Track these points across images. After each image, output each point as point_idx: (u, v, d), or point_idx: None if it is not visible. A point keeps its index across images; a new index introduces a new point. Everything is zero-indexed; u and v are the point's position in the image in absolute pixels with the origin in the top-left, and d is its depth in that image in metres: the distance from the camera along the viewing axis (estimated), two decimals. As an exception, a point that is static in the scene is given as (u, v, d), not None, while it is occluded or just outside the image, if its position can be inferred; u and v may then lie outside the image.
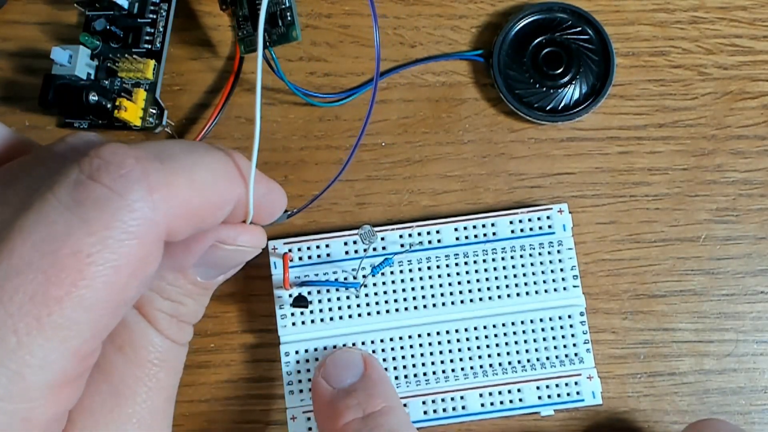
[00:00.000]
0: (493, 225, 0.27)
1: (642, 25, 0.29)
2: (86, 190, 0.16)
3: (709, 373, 0.27)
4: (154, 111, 0.28)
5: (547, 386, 0.26)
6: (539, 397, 0.26)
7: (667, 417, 0.27)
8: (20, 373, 0.16)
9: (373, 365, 0.26)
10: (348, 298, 0.27)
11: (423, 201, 0.28)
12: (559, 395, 0.26)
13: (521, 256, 0.27)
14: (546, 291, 0.27)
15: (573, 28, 0.29)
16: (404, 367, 0.27)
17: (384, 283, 0.27)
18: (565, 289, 0.27)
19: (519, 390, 0.26)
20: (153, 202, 0.17)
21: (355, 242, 0.27)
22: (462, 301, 0.27)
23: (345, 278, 0.27)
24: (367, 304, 0.27)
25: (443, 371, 0.27)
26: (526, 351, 0.27)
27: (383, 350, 0.27)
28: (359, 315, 0.27)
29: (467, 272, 0.27)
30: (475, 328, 0.27)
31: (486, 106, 0.29)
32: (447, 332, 0.27)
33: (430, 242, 0.27)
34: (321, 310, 0.27)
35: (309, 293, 0.27)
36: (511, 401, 0.27)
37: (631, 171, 0.28)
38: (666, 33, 0.29)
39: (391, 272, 0.27)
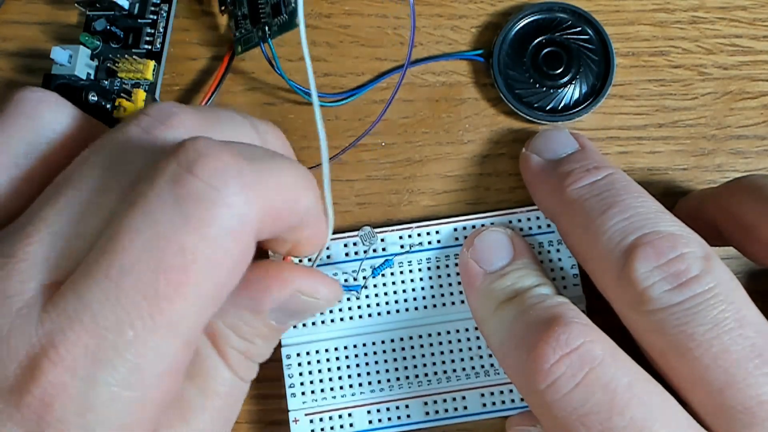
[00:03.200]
0: (492, 225, 0.27)
1: (642, 25, 0.29)
2: (186, 185, 0.17)
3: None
4: (153, 111, 0.28)
5: None
6: None
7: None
8: (137, 363, 0.17)
9: (521, 247, 0.26)
10: (349, 299, 0.27)
11: (423, 201, 0.28)
12: None
13: None
14: None
15: (573, 28, 0.29)
16: (405, 368, 0.27)
17: (384, 284, 0.27)
18: (565, 288, 0.27)
19: None
20: (247, 199, 0.18)
21: (355, 244, 0.27)
22: (463, 302, 0.27)
23: (345, 280, 0.27)
24: (368, 306, 0.27)
25: (444, 371, 0.27)
26: None
27: (384, 351, 0.27)
28: (360, 317, 0.27)
29: None
30: (476, 328, 0.27)
31: (486, 106, 0.29)
32: (448, 332, 0.27)
33: (430, 243, 0.27)
34: (322, 312, 0.27)
35: None
36: (512, 401, 0.27)
37: (631, 171, 0.28)
38: (666, 33, 0.29)
39: (392, 273, 0.27)
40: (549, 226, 0.27)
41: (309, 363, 0.27)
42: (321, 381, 0.27)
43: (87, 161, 0.19)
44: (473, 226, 0.27)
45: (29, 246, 0.18)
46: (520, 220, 0.27)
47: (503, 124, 0.29)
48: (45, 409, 0.16)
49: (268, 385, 0.27)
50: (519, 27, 0.29)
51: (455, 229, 0.27)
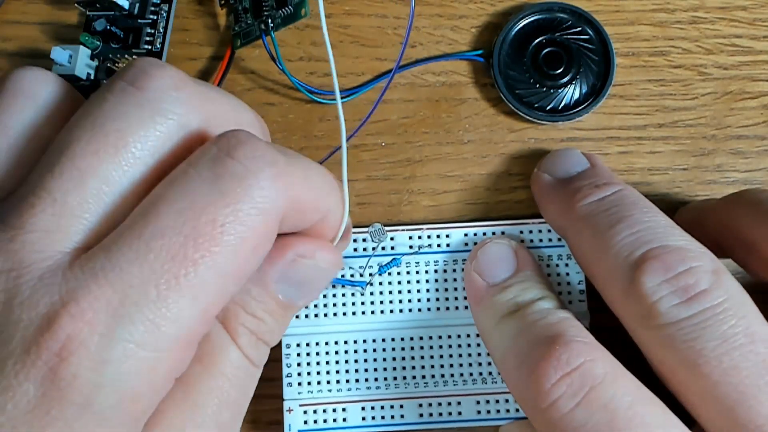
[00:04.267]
0: (503, 233, 0.27)
1: (642, 25, 0.29)
2: (224, 165, 0.18)
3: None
4: (153, 111, 0.28)
5: None
6: None
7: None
8: (156, 323, 0.17)
9: (525, 259, 0.26)
10: (353, 295, 0.27)
11: (423, 201, 0.28)
12: None
13: None
14: None
15: (573, 28, 0.29)
16: (403, 368, 0.27)
17: (390, 283, 0.27)
18: (570, 303, 0.27)
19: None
20: (278, 185, 0.19)
21: (364, 240, 0.27)
22: (466, 307, 0.27)
23: (351, 275, 0.27)
24: (372, 303, 0.27)
25: (442, 375, 0.27)
26: None
27: (384, 349, 0.27)
28: (363, 313, 0.27)
29: None
30: (477, 335, 0.27)
31: (486, 106, 0.29)
32: (449, 337, 0.27)
33: (439, 246, 0.27)
34: (326, 305, 0.27)
35: None
36: (507, 410, 0.26)
37: (631, 171, 0.28)
38: (666, 33, 0.29)
39: (398, 272, 0.27)
40: (559, 239, 0.27)
41: (308, 354, 0.27)
42: (318, 373, 0.27)
43: (74, 128, 0.19)
44: (484, 233, 0.27)
45: (34, 216, 0.18)
46: (531, 231, 0.27)
47: (503, 124, 0.29)
48: (60, 363, 0.16)
49: (267, 385, 0.27)
50: (519, 27, 0.29)
51: (465, 234, 0.27)
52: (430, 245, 0.27)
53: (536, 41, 0.29)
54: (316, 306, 0.27)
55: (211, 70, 0.29)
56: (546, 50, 0.29)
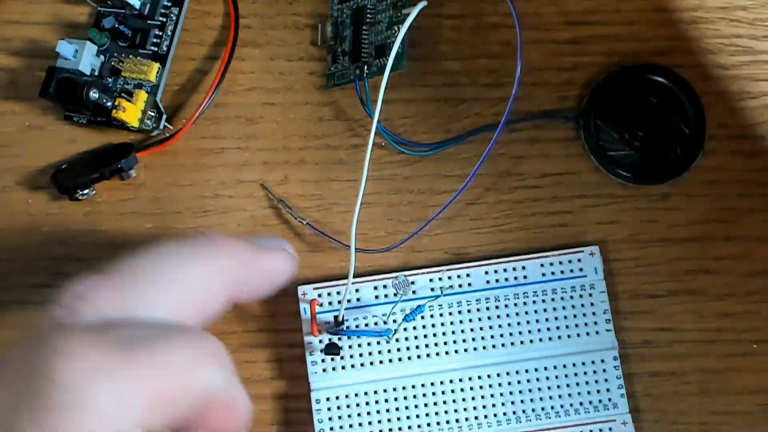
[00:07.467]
0: (524, 268, 0.27)
1: (642, 25, 0.29)
2: (44, 395, 0.15)
3: (710, 373, 0.27)
4: (152, 114, 0.28)
5: None
6: None
7: (668, 417, 0.27)
8: None
9: None
10: (379, 344, 0.27)
11: (423, 201, 0.28)
12: None
13: (552, 300, 0.27)
14: (578, 335, 0.27)
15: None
16: (436, 413, 0.26)
17: (414, 328, 0.27)
18: (597, 333, 0.27)
19: None
20: (120, 398, 0.16)
21: (385, 286, 0.27)
22: (494, 346, 0.27)
23: (375, 323, 0.27)
24: (398, 350, 0.27)
25: (476, 417, 0.26)
26: (559, 397, 0.26)
27: (414, 396, 0.26)
28: (390, 360, 0.27)
29: (498, 316, 0.27)
30: (507, 374, 0.26)
31: (486, 106, 0.29)
32: (479, 377, 0.27)
33: (460, 286, 0.27)
34: (352, 356, 0.27)
35: (339, 339, 0.27)
36: None
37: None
38: (666, 33, 0.29)
39: (422, 317, 0.27)
40: (581, 270, 0.27)
41: (339, 408, 0.26)
42: (351, 426, 0.26)
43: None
44: (504, 269, 0.27)
45: None
46: (551, 264, 0.27)
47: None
48: None
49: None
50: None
51: (486, 273, 0.27)
52: (451, 286, 0.27)
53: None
54: (342, 358, 0.27)
55: (211, 70, 0.29)
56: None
